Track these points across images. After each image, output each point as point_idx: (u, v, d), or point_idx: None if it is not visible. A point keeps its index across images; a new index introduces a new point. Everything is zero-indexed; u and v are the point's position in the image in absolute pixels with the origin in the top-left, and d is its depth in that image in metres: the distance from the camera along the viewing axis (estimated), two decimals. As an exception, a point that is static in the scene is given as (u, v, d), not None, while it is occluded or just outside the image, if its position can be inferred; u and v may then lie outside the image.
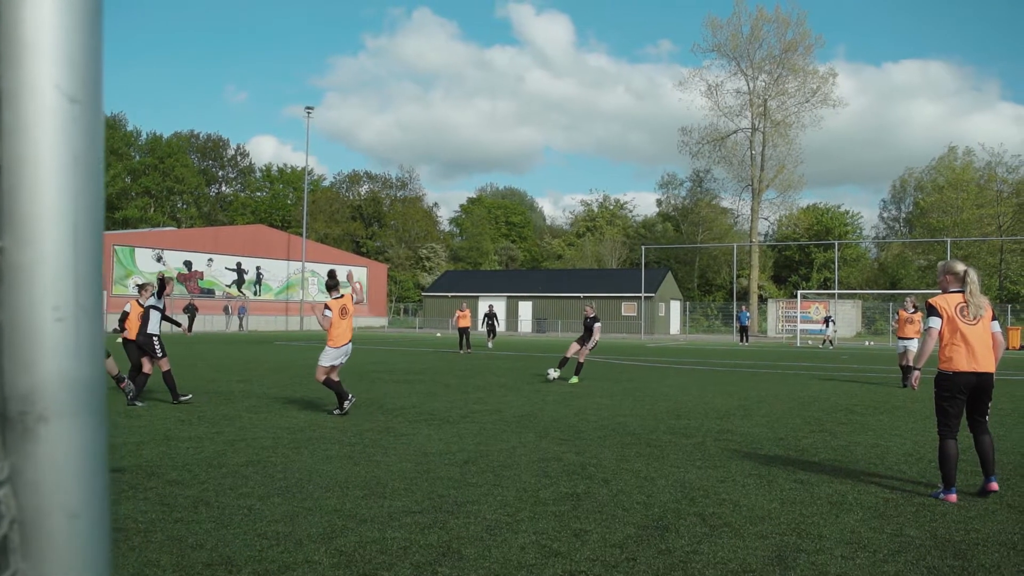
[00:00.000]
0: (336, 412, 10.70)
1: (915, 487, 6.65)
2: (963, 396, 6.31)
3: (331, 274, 11.18)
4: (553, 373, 15.95)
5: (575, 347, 16.57)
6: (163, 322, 12.15)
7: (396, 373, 17.96)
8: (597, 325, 16.60)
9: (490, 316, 33.97)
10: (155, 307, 11.96)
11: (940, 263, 6.63)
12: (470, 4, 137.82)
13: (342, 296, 11.14)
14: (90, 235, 1.00)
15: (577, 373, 16.32)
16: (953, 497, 6.15)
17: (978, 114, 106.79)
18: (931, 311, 6.44)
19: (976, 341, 6.29)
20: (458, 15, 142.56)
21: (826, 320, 40.55)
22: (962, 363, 6.27)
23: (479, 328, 37.50)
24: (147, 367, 11.83)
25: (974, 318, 6.33)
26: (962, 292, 6.44)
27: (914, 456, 8.15)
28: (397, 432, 9.20)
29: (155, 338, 11.84)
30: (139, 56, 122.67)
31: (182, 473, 6.77)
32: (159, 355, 11.78)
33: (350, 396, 10.80)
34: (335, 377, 10.92)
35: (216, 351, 26.21)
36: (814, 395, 14.28)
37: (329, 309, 10.96)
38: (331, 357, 10.91)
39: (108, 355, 11.71)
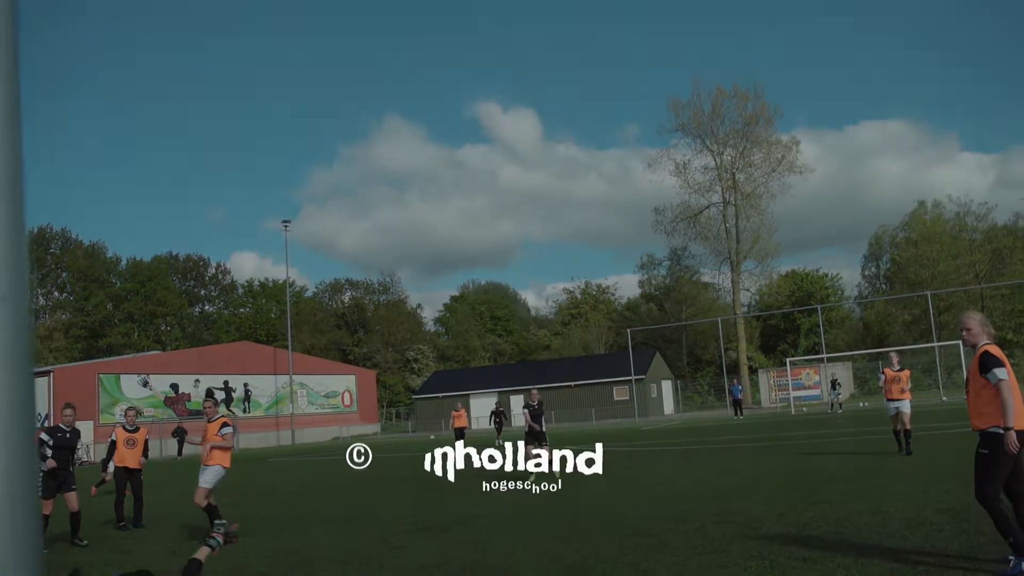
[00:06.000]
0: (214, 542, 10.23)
1: (919, 556, 6.55)
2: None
3: (211, 393, 10.92)
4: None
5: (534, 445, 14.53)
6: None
7: (389, 481, 17.68)
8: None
9: (497, 413, 33.73)
10: (41, 439, 10.32)
11: (965, 315, 6.24)
12: (437, 107, 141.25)
13: (221, 415, 10.58)
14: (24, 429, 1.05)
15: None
16: None
17: (942, 166, 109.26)
18: (995, 362, 5.87)
19: None
20: (426, 119, 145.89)
21: (833, 384, 40.49)
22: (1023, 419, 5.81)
23: (488, 425, 37.11)
24: (73, 505, 10.56)
25: None
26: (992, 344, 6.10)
27: (915, 521, 8.05)
28: (391, 544, 9.01)
29: (40, 475, 9.97)
30: (115, 184, 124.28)
31: (172, 611, 6.58)
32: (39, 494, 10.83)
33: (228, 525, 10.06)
34: (213, 500, 10.32)
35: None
36: (812, 465, 14.15)
37: (229, 426, 10.37)
38: (220, 477, 10.29)
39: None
